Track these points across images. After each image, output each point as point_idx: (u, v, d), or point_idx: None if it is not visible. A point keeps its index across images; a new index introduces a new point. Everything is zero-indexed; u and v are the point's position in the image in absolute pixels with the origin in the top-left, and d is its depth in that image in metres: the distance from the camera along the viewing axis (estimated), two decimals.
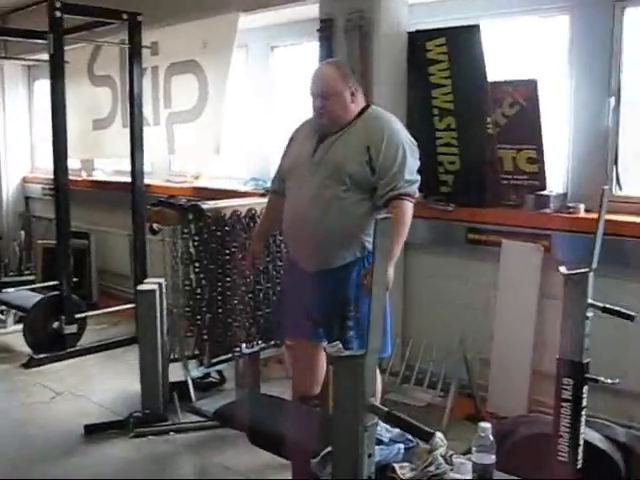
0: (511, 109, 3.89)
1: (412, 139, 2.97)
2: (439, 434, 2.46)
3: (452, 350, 3.77)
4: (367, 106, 3.03)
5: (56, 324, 4.86)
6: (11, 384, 4.43)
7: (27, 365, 4.67)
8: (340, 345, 1.64)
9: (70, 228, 5.05)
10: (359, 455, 1.52)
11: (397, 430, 2.54)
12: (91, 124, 6.29)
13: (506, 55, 4.06)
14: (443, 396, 3.80)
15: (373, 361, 1.57)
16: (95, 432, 3.63)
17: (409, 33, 4.11)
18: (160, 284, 3.88)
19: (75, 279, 5.59)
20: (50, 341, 4.85)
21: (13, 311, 5.46)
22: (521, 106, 3.85)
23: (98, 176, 6.86)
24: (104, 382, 4.38)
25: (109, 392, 4.18)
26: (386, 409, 1.55)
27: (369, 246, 2.89)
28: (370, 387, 1.54)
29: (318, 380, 3.30)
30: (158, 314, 3.81)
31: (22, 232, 7.28)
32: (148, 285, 3.87)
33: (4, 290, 5.58)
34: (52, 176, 4.95)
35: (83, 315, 5.01)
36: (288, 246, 3.27)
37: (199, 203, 3.65)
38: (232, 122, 5.30)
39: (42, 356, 4.74)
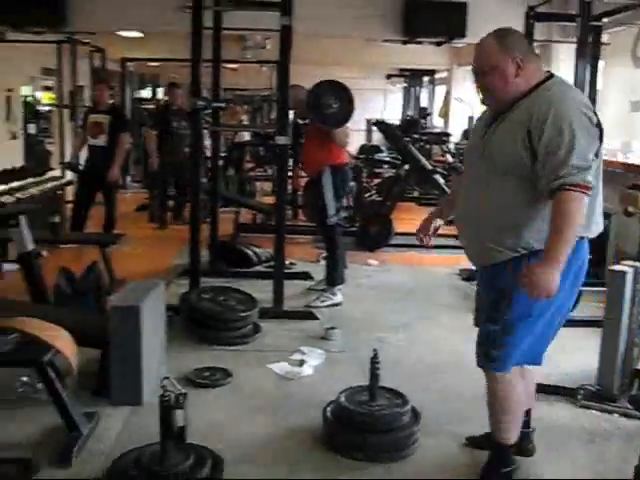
0: None
1: (591, 114, 2.48)
2: None
3: None
4: (546, 79, 2.58)
5: None
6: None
7: None
8: None
9: None
10: None
11: None
12: (628, 105, 6.31)
13: None
14: None
15: None
16: (544, 392, 3.88)
17: None
18: (637, 268, 3.86)
19: None
20: None
21: None
22: None
23: (633, 158, 6.82)
24: (578, 352, 4.51)
25: (576, 361, 4.33)
26: None
27: (531, 244, 2.54)
28: None
29: None
30: (628, 297, 3.81)
31: None
32: (622, 267, 3.89)
33: None
34: None
35: None
36: None
37: None
38: None
39: None
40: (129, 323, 3.50)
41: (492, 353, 2.72)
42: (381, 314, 5.26)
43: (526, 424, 3.10)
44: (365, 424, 3.14)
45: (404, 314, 5.28)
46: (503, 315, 2.64)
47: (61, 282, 4.78)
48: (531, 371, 3.02)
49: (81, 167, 7.75)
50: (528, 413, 3.12)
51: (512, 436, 2.87)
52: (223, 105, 6.18)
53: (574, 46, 7.15)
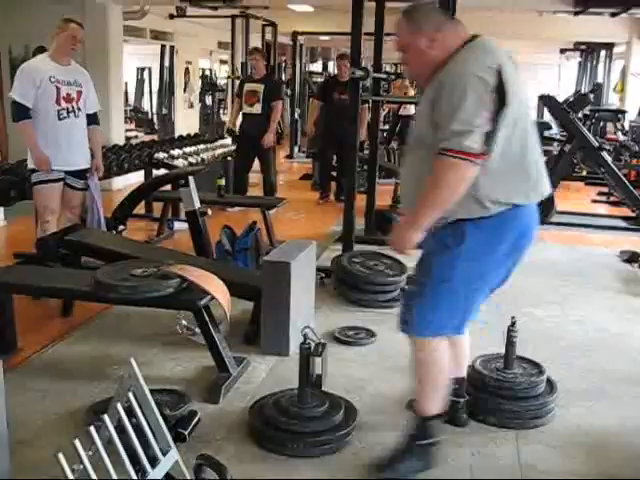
0: None
1: (489, 78, 2.33)
2: None
3: None
4: (464, 44, 2.47)
5: None
6: None
7: None
8: None
9: None
10: None
11: None
12: None
13: None
14: None
15: None
16: None
17: None
18: None
19: None
20: None
21: None
22: None
23: None
24: None
25: None
26: None
27: (454, 211, 2.47)
28: None
29: None
30: None
31: None
32: None
33: None
34: None
35: None
36: None
37: None
38: None
39: None
40: (280, 278, 3.73)
41: (406, 315, 2.69)
42: (531, 289, 5.17)
43: (458, 393, 3.04)
44: (497, 389, 3.17)
45: (555, 291, 5.19)
46: (422, 277, 2.65)
47: (223, 239, 5.13)
48: (462, 341, 2.98)
49: (237, 134, 8.14)
50: (460, 382, 3.05)
51: (432, 406, 2.73)
52: (383, 76, 6.25)
53: None
